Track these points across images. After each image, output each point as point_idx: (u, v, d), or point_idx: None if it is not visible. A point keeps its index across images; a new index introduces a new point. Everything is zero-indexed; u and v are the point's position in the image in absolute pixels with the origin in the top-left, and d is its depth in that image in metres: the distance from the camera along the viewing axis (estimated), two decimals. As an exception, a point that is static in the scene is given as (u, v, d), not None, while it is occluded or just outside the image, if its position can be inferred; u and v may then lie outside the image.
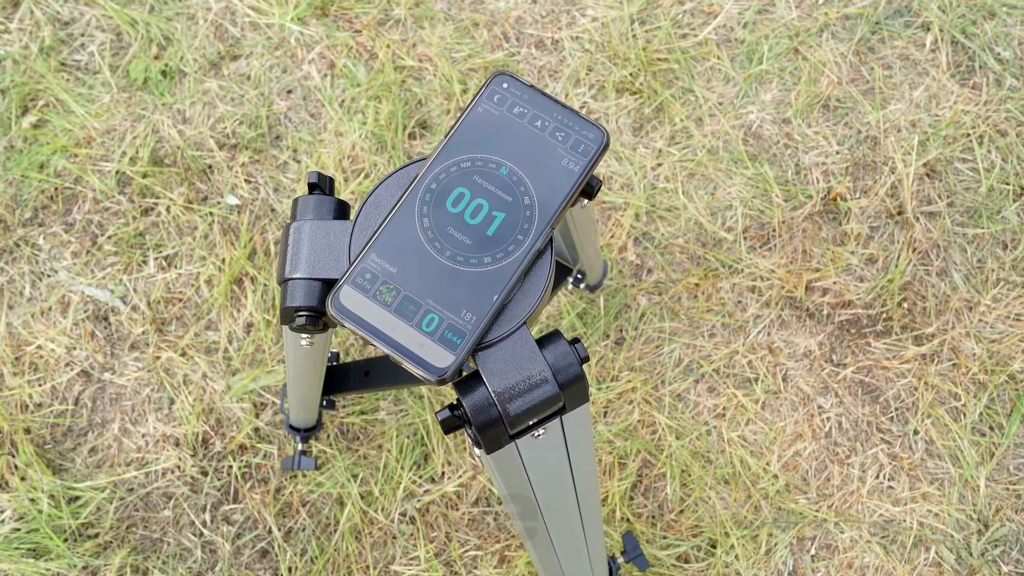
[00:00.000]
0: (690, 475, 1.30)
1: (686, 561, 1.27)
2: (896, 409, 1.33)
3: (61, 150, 1.44)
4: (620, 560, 1.20)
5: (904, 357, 1.35)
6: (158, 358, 1.35)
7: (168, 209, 1.42)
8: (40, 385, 1.34)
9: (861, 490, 1.30)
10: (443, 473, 1.30)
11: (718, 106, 1.47)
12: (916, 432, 1.32)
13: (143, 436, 1.32)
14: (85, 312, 1.37)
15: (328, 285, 0.65)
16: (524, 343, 0.60)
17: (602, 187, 1.41)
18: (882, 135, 1.45)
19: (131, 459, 1.31)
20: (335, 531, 1.28)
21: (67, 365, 1.35)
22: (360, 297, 0.60)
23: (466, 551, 1.28)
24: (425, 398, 1.32)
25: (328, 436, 1.32)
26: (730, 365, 1.35)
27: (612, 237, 1.40)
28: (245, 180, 1.44)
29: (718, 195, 1.42)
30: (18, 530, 1.27)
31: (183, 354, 1.35)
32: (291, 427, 1.28)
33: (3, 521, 1.27)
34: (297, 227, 0.66)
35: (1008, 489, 1.30)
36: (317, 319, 0.66)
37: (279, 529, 1.28)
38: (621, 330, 1.36)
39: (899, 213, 1.41)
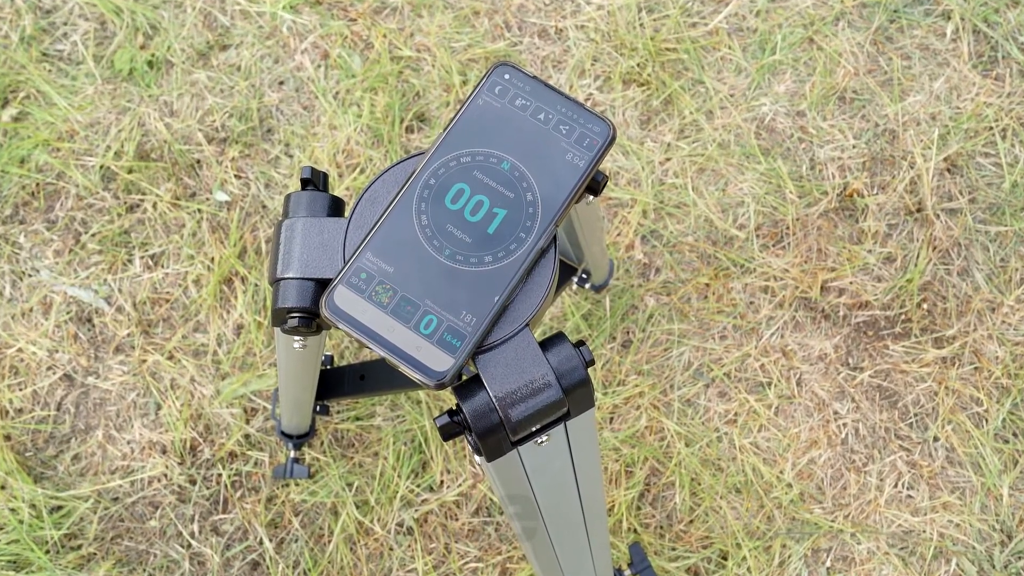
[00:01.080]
0: (700, 484, 1.30)
1: (696, 574, 1.27)
2: (915, 415, 1.33)
3: (43, 144, 1.44)
4: (627, 572, 1.20)
5: (924, 360, 1.35)
6: (144, 361, 1.35)
7: (154, 206, 1.42)
8: (21, 389, 1.34)
9: (879, 499, 1.30)
10: (442, 482, 1.30)
11: (729, 98, 1.47)
12: (936, 439, 1.32)
13: (128, 443, 1.32)
14: (68, 313, 1.37)
15: (322, 285, 0.65)
16: (526, 346, 0.60)
17: (608, 183, 1.41)
18: (901, 128, 1.45)
19: (116, 467, 1.31)
20: (329, 542, 1.28)
21: (49, 369, 1.35)
22: (355, 298, 0.60)
23: (466, 563, 1.28)
24: (423, 403, 1.33)
25: (322, 443, 1.32)
26: (742, 369, 1.35)
27: (618, 235, 1.40)
28: (235, 175, 1.44)
29: (729, 191, 1.42)
30: (-2, 541, 1.27)
31: (170, 357, 1.35)
32: (283, 434, 1.28)
33: (-18, 531, 1.27)
34: (289, 224, 0.66)
35: (1033, 498, 1.30)
36: (310, 321, 0.66)
37: (270, 540, 1.28)
38: (628, 332, 1.36)
39: (918, 210, 1.41)
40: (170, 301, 1.38)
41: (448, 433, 0.61)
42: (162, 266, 1.39)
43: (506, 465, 0.65)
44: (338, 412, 1.33)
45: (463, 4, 1.52)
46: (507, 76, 0.65)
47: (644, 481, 1.30)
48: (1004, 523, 1.29)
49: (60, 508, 1.29)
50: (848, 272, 1.38)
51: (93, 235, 1.40)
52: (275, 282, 0.66)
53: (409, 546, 1.28)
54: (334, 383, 1.16)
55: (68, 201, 1.42)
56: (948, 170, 1.44)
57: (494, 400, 0.59)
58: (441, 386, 0.58)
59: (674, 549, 1.28)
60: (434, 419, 0.60)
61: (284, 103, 1.48)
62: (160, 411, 1.33)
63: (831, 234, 1.40)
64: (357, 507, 1.29)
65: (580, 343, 0.61)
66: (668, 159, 1.44)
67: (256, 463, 1.31)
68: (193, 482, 1.31)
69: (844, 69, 1.49)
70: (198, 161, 1.45)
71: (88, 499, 1.29)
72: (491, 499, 1.29)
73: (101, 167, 1.44)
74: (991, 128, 1.45)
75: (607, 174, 0.66)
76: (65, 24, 1.53)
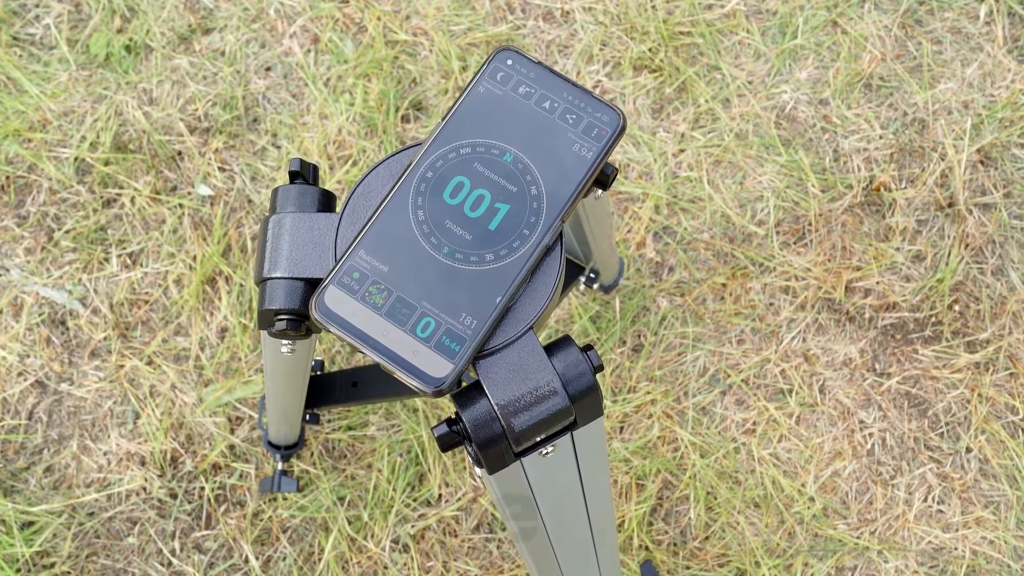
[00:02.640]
0: (716, 498, 1.30)
1: (711, 594, 1.28)
2: (946, 424, 1.33)
3: (13, 134, 1.45)
4: (638, 593, 1.20)
5: (955, 366, 1.35)
6: (121, 367, 1.35)
7: (133, 200, 1.42)
8: (-10, 397, 1.34)
9: (907, 514, 1.30)
10: (440, 495, 1.30)
11: (747, 85, 1.47)
12: (969, 450, 1.32)
13: (105, 454, 1.32)
14: (40, 315, 1.37)
15: (312, 285, 0.65)
16: (530, 350, 0.60)
17: (618, 176, 1.41)
18: (931, 118, 1.45)
19: (91, 480, 1.31)
20: (319, 560, 1.28)
21: (20, 375, 1.35)
22: (347, 299, 0.60)
23: (465, 583, 1.28)
24: (420, 412, 1.33)
25: (312, 454, 1.32)
26: (761, 375, 1.35)
27: (629, 232, 1.40)
28: (219, 168, 1.44)
29: (747, 185, 1.42)
30: (-34, 559, 1.27)
31: (149, 362, 1.35)
32: (270, 444, 1.28)
33: (-51, 549, 1.27)
34: (277, 220, 0.66)
35: (1072, 514, 1.30)
36: (299, 323, 0.66)
37: (257, 558, 1.28)
38: (639, 336, 1.36)
39: (950, 205, 1.41)
40: (149, 302, 1.38)
41: (447, 443, 0.61)
42: (141, 265, 1.40)
43: (509, 478, 0.65)
44: (329, 421, 1.33)
45: (462, -15, 1.53)
46: (510, 62, 0.65)
47: (656, 495, 1.30)
48: (1042, 540, 1.29)
49: (32, 524, 1.29)
50: (874, 271, 1.38)
51: (67, 232, 1.41)
52: (261, 282, 0.66)
53: (405, 564, 1.28)
54: (325, 390, 1.16)
55: (40, 195, 1.43)
56: (981, 162, 1.44)
57: (496, 408, 0.59)
58: (439, 393, 0.58)
59: (688, 568, 1.28)
60: (432, 428, 0.60)
61: (271, 90, 1.48)
62: (139, 420, 1.33)
63: (856, 231, 1.40)
64: (349, 523, 1.29)
65: (588, 347, 0.61)
66: (682, 150, 1.44)
67: (241, 476, 1.31)
68: (174, 496, 1.31)
69: (870, 54, 1.49)
70: (179, 153, 1.45)
71: (62, 514, 1.29)
72: (493, 514, 1.29)
73: (76, 159, 1.44)
74: (1028, 117, 1.45)
75: (617, 166, 0.66)
76: (37, 6, 1.53)
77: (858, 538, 1.29)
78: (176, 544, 1.29)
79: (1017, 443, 1.32)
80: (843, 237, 1.40)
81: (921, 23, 1.51)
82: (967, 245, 1.39)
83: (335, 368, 1.35)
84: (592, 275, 1.27)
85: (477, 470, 0.64)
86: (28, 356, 1.36)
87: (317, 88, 1.47)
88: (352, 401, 1.15)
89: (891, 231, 1.40)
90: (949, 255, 1.39)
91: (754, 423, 1.33)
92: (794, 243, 1.40)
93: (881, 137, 1.45)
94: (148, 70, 1.49)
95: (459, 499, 1.30)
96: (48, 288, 1.38)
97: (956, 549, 1.28)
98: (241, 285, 1.38)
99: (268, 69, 1.50)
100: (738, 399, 1.34)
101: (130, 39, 1.50)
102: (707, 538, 1.29)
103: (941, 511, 1.30)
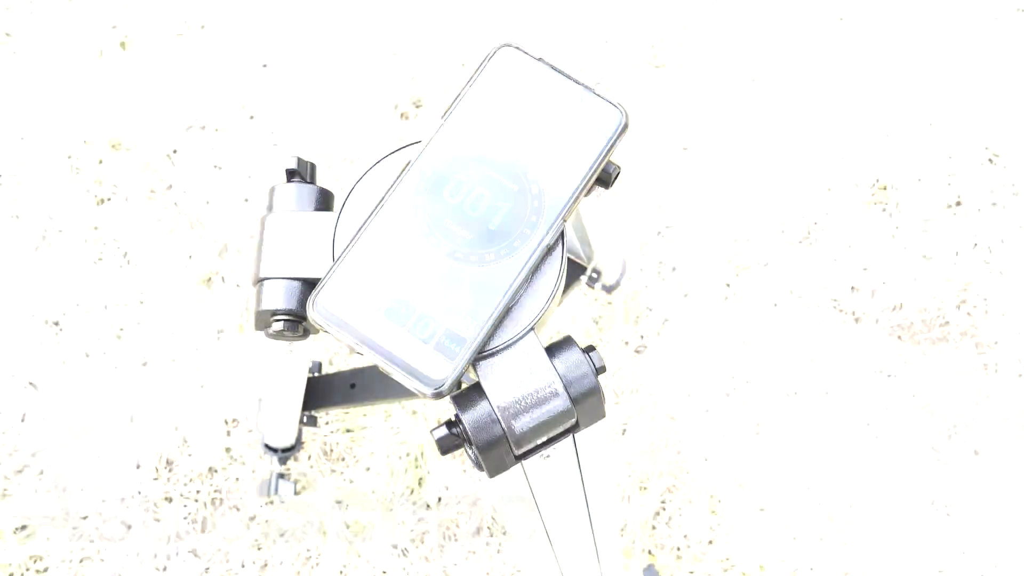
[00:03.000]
0: (720, 501, 1.30)
1: (716, 599, 1.28)
2: (954, 426, 1.33)
3: (7, 132, 1.45)
4: (641, 598, 1.20)
5: (964, 368, 1.35)
6: (116, 367, 1.35)
7: (128, 199, 1.42)
8: (-17, 399, 1.34)
9: (913, 517, 1.30)
10: (440, 499, 1.30)
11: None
12: (977, 453, 1.32)
13: (99, 456, 1.32)
14: (33, 315, 1.37)
15: (309, 286, 0.65)
16: (531, 351, 0.60)
17: (621, 173, 1.41)
18: (938, 115, 1.45)
19: (85, 482, 1.31)
20: (317, 565, 1.28)
21: (13, 376, 1.35)
22: (345, 299, 0.60)
23: (465, 587, 1.28)
24: (419, 414, 1.33)
25: (309, 457, 1.32)
26: (766, 376, 1.35)
27: (632, 231, 1.40)
28: (215, 165, 1.44)
29: (753, 183, 1.42)
30: (-42, 563, 1.27)
31: (145, 363, 1.35)
32: (267, 447, 1.28)
33: (-59, 553, 1.28)
34: (274, 219, 0.66)
35: (1083, 518, 1.30)
36: (297, 324, 0.66)
37: (253, 563, 1.28)
38: (642, 336, 1.36)
39: (958, 204, 1.41)
40: (144, 302, 1.38)
41: (446, 446, 0.61)
42: (136, 264, 1.40)
43: (509, 481, 0.65)
44: (327, 423, 1.33)
45: (463, -20, 1.53)
46: (511, 58, 0.65)
47: (660, 498, 1.30)
48: (1052, 544, 1.29)
49: (24, 527, 1.29)
50: (882, 271, 1.38)
51: (61, 231, 1.41)
52: (258, 282, 0.66)
53: (404, 568, 1.28)
54: (322, 392, 1.16)
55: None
56: (990, 160, 1.44)
57: (496, 410, 0.59)
58: (439, 395, 0.58)
59: (692, 573, 1.28)
60: (431, 431, 0.60)
61: (269, 87, 1.48)
62: (134, 421, 1.33)
63: (863, 230, 1.40)
64: (347, 527, 1.29)
65: (590, 348, 0.61)
66: (686, 148, 1.44)
67: (238, 479, 1.31)
68: (169, 499, 1.31)
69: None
70: (174, 150, 1.45)
71: (55, 518, 1.29)
72: (493, 518, 1.29)
73: (70, 156, 1.44)
74: (1037, 114, 1.45)
75: (619, 165, 0.66)
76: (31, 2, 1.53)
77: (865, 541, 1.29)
78: (171, 548, 1.29)
79: (1026, 446, 1.32)
80: (850, 236, 1.40)
81: (929, 19, 1.51)
82: (976, 244, 1.39)
83: (333, 369, 1.35)
84: (594, 275, 1.28)
85: (477, 473, 0.64)
86: (22, 356, 1.36)
87: (315, 84, 1.47)
88: (350, 403, 1.15)
89: (898, 230, 1.40)
90: (958, 255, 1.39)
91: (759, 425, 1.33)
92: (800, 242, 1.40)
93: (888, 135, 1.45)
94: (144, 66, 1.49)
95: (459, 502, 1.30)
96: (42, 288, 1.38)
97: (964, 554, 1.28)
98: (238, 285, 1.38)
99: (265, 66, 1.50)
100: (743, 400, 1.34)
101: (125, 35, 1.50)
102: (711, 542, 1.29)
103: (949, 515, 1.30)
